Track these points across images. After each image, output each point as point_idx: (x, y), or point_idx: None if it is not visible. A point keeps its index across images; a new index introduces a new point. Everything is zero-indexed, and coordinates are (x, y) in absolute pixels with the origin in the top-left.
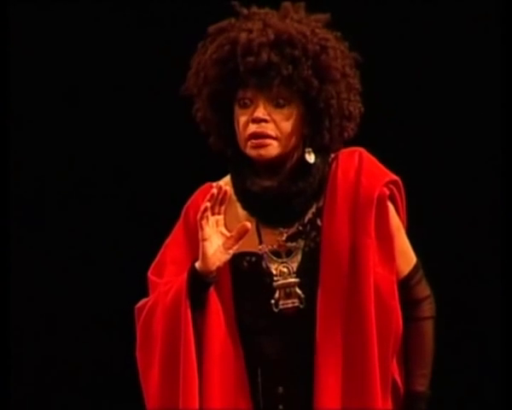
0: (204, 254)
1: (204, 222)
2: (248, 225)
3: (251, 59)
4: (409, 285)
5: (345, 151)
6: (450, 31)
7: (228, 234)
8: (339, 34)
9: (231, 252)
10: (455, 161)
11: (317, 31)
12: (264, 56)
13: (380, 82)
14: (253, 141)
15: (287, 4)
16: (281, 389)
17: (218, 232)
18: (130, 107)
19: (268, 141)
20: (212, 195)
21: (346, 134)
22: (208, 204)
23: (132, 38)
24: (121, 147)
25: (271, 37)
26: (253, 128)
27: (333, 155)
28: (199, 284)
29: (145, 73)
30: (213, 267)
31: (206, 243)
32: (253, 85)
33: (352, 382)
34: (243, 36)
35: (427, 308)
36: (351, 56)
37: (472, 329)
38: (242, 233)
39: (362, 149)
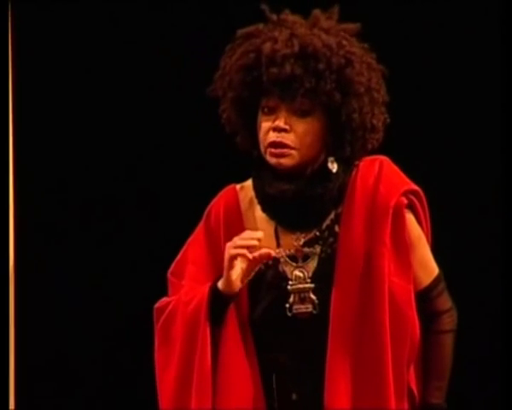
0: (228, 279)
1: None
2: (272, 252)
3: (274, 70)
4: (429, 297)
5: (367, 159)
6: (451, 38)
7: (250, 256)
8: (366, 46)
9: (253, 273)
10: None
11: (344, 42)
12: (288, 68)
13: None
14: (272, 150)
15: (317, 12)
16: (294, 396)
17: (241, 256)
18: (152, 106)
19: (287, 151)
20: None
21: (369, 146)
22: (250, 255)
23: (155, 38)
24: (143, 147)
25: (296, 48)
26: (273, 137)
27: (355, 162)
28: (220, 302)
29: (166, 73)
30: (236, 289)
31: (232, 271)
32: (276, 95)
33: (364, 389)
34: (268, 46)
35: (448, 322)
36: (378, 69)
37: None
38: (265, 258)
39: (384, 158)
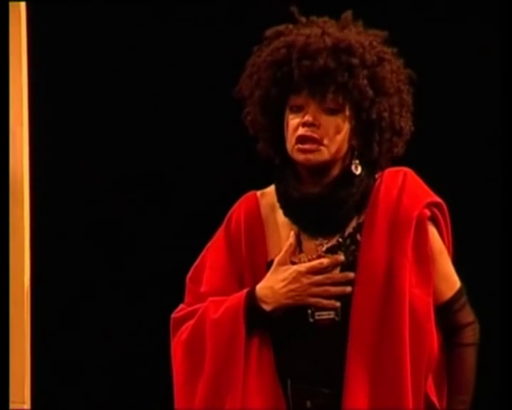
0: (286, 305)
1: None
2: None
3: (307, 63)
4: (451, 310)
5: (391, 170)
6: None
7: (325, 303)
8: (395, 50)
9: None
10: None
11: (375, 44)
12: (321, 61)
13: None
14: (300, 146)
15: (347, 15)
16: (309, 404)
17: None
18: (171, 111)
19: (316, 147)
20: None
21: (395, 150)
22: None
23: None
24: (164, 153)
25: (329, 43)
26: (302, 131)
27: (379, 173)
28: (259, 317)
29: (192, 76)
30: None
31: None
32: (306, 91)
33: (383, 399)
34: (300, 39)
35: (470, 335)
36: (406, 73)
37: None
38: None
39: (408, 170)
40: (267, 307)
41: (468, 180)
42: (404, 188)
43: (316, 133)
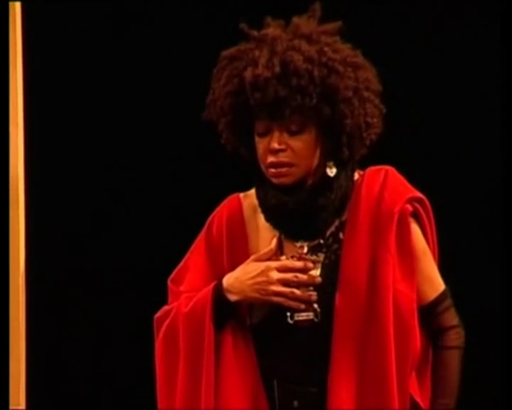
0: (251, 299)
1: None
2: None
3: (258, 95)
4: (434, 312)
5: (372, 168)
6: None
7: (294, 304)
8: (349, 45)
9: None
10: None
11: (326, 49)
12: (271, 91)
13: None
14: (273, 170)
15: (296, 20)
16: (296, 403)
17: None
18: (157, 114)
19: (286, 170)
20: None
21: (367, 142)
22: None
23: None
24: (148, 157)
25: (277, 69)
26: (270, 159)
27: (361, 172)
28: (226, 308)
29: (169, 78)
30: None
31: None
32: (266, 117)
33: (368, 397)
34: (249, 71)
35: (453, 338)
36: (365, 65)
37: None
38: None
39: (389, 167)
40: (232, 298)
41: (466, 181)
42: (385, 184)
43: (284, 157)
